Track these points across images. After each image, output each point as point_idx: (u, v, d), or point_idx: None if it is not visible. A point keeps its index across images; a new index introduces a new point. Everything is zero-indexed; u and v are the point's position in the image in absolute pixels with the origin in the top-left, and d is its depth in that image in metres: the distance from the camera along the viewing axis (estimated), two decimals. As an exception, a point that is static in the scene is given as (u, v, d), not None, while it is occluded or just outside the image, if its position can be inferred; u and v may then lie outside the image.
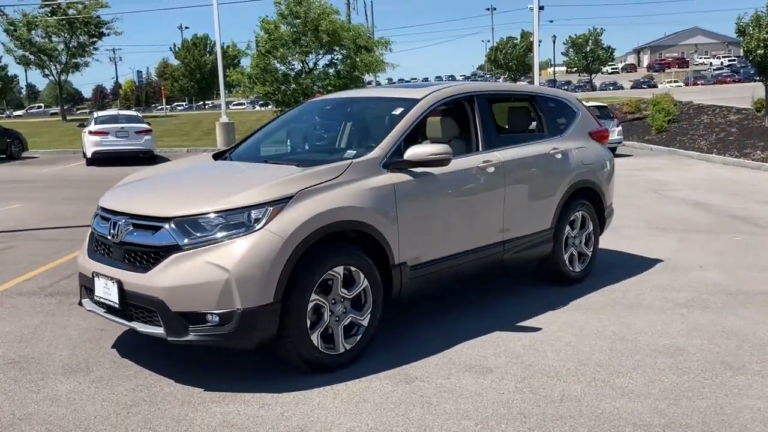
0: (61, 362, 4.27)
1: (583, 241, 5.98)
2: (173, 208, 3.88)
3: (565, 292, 5.62)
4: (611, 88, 68.19)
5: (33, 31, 43.05)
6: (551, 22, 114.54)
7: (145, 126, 20.52)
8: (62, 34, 43.79)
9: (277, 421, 3.42)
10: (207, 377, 3.97)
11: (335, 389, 3.80)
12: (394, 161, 4.41)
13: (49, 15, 42.76)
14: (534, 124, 5.84)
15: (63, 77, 46.89)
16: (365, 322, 4.19)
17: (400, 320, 4.95)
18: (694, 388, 3.76)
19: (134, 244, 3.92)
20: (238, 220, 3.76)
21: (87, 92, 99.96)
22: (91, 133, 19.68)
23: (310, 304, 3.86)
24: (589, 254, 6.04)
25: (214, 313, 3.65)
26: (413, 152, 4.39)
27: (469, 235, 4.87)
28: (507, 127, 5.82)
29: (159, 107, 51.30)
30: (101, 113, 23.31)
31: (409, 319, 5.02)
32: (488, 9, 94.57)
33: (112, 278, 3.95)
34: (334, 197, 4.00)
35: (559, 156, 5.65)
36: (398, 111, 4.79)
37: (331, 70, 28.36)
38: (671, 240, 7.67)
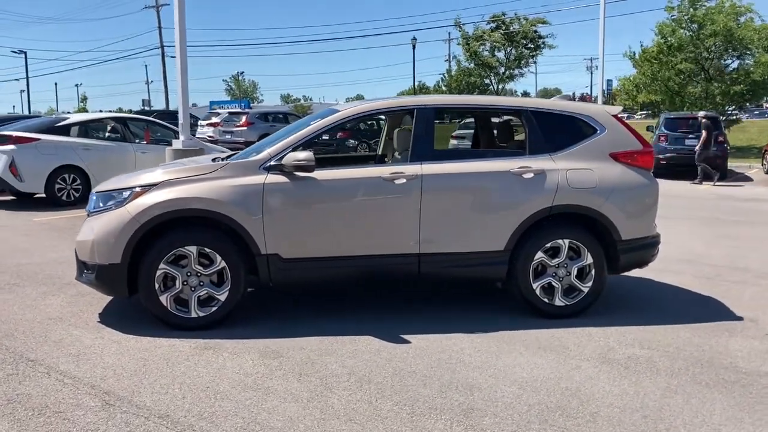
0: (61, 281, 6.26)
1: (574, 273, 5.30)
2: (100, 187, 5.34)
3: (523, 322, 5.17)
4: None
5: (481, 46, 48.64)
6: None
7: None
8: (504, 48, 48.37)
9: (72, 347, 4.58)
10: (113, 314, 5.32)
11: (145, 340, 4.71)
12: (275, 165, 5.01)
13: (494, 31, 47.68)
14: (508, 140, 5.44)
15: (500, 86, 51.59)
16: (222, 297, 4.96)
17: (290, 304, 5.66)
18: (341, 413, 3.59)
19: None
20: (119, 198, 5.00)
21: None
22: None
23: (159, 272, 4.85)
24: (584, 290, 5.30)
25: (89, 264, 4.99)
26: (286, 158, 4.94)
27: (363, 240, 5.06)
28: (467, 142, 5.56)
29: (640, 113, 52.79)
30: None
31: (308, 303, 5.58)
32: None
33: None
34: (190, 189, 4.89)
35: (529, 175, 5.19)
36: (314, 121, 5.30)
37: (715, 80, 25.45)
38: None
